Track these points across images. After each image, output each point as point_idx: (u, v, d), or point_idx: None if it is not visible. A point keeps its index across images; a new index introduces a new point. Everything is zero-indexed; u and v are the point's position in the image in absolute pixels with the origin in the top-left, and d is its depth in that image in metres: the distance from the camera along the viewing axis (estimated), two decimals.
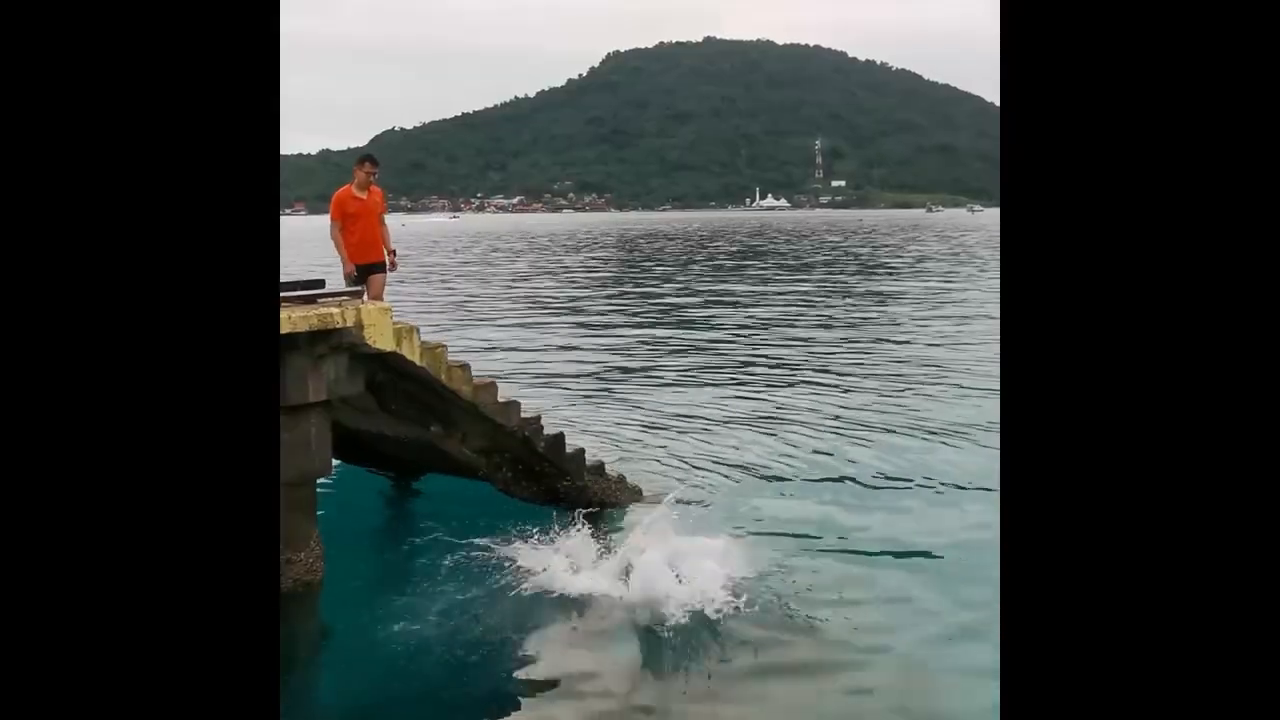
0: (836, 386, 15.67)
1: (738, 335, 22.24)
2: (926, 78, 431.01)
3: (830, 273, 42.82)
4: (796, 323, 24.47)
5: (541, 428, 9.20)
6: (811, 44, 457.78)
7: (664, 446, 11.78)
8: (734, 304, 29.42)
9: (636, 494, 9.64)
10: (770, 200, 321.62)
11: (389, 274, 10.12)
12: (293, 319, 6.94)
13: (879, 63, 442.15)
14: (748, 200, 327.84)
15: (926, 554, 8.23)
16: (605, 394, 15.25)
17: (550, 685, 6.20)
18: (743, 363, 18.21)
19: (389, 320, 7.70)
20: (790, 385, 15.82)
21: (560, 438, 9.34)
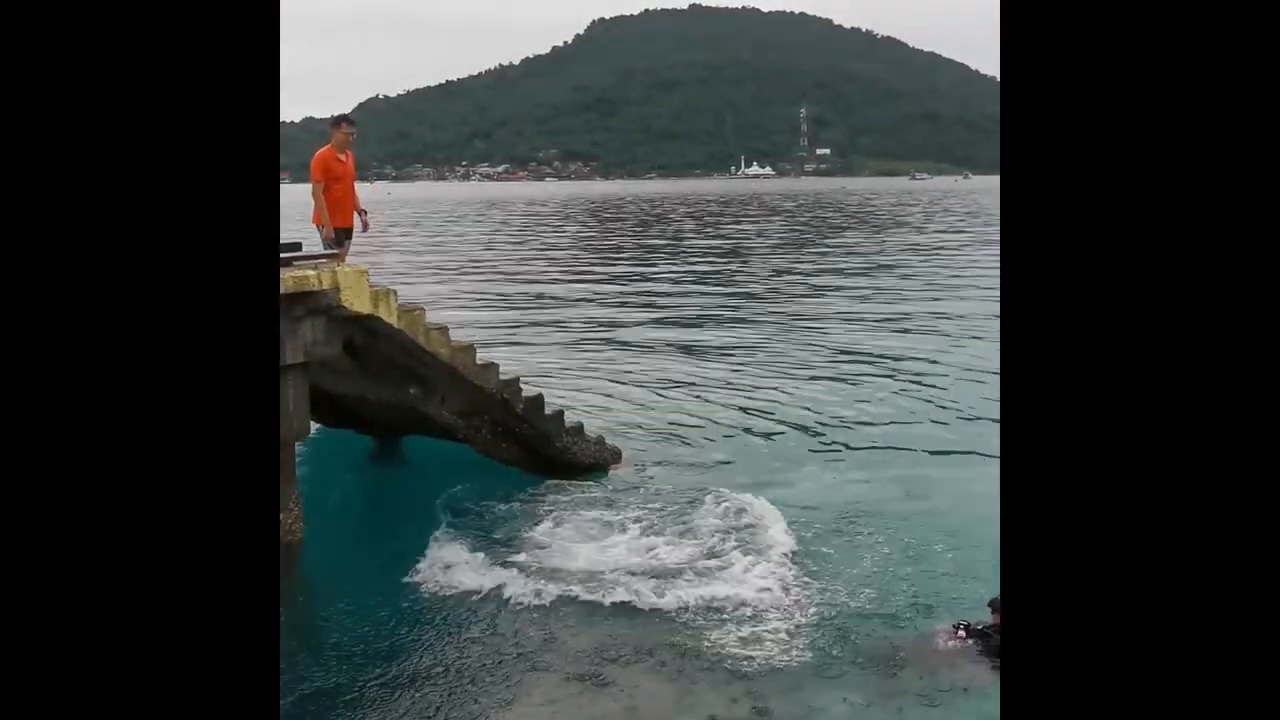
0: (822, 352, 15.78)
1: (720, 303, 22.30)
2: (912, 45, 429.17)
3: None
4: (776, 294, 24.54)
5: (520, 389, 9.25)
6: (797, 11, 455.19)
7: (644, 409, 11.87)
8: (718, 274, 29.46)
9: (616, 455, 9.73)
10: (756, 168, 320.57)
11: (359, 234, 10.10)
12: None
13: (865, 30, 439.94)
14: (733, 169, 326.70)
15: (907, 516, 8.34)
16: (585, 357, 15.30)
17: (529, 642, 6.27)
18: (723, 328, 18.29)
19: (366, 283, 7.71)
20: (773, 350, 15.91)
21: (539, 399, 9.40)
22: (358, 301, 7.63)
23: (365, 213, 10.04)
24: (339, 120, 9.77)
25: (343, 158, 9.62)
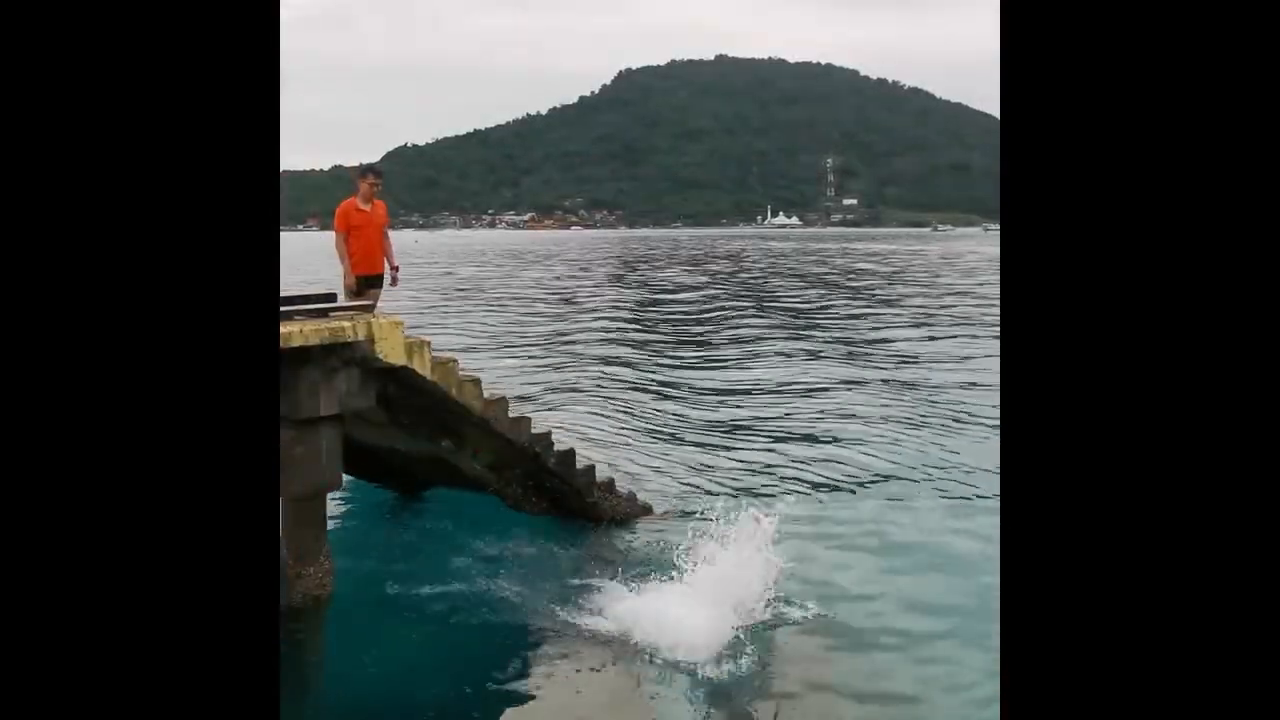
0: (850, 399, 15.64)
1: (747, 350, 22.21)
2: (939, 96, 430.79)
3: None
4: (810, 337, 24.44)
5: (552, 444, 9.19)
6: (824, 62, 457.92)
7: (675, 463, 11.75)
8: (742, 320, 29.42)
9: (646, 510, 9.63)
10: (782, 218, 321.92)
11: (389, 287, 10.14)
12: (304, 332, 6.94)
13: (891, 81, 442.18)
14: (760, 219, 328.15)
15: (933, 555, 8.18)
16: (615, 408, 15.23)
17: (560, 704, 6.17)
18: (756, 377, 18.19)
19: (400, 334, 7.69)
20: (804, 398, 15.80)
21: (570, 454, 9.33)
22: (392, 353, 7.60)
23: (397, 268, 10.11)
24: (364, 171, 9.91)
25: (366, 207, 9.70)
